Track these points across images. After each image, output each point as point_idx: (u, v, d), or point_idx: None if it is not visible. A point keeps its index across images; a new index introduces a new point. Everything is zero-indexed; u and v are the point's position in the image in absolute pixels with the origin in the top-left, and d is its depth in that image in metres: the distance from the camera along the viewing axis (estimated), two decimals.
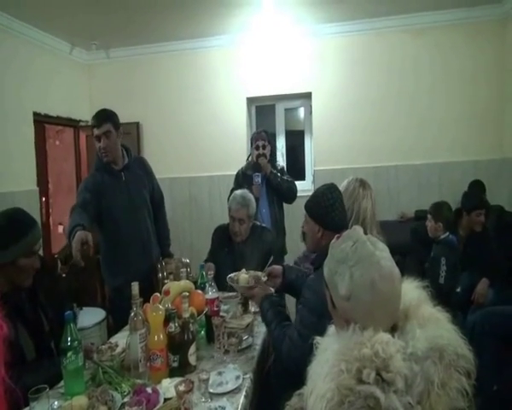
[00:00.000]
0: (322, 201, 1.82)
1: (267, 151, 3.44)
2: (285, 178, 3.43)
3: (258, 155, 3.42)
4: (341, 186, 2.14)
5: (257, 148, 3.44)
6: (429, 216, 3.07)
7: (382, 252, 1.07)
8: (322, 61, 4.51)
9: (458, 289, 2.95)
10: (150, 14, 3.93)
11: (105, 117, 2.45)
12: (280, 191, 3.39)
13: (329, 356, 1.07)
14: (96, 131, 2.42)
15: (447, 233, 3.00)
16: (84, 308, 2.42)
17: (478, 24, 4.17)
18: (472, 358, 1.03)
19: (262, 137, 3.48)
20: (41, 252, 3.59)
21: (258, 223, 2.94)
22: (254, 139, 3.51)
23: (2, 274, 1.65)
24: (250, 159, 3.59)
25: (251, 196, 2.80)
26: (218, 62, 4.76)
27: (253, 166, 3.48)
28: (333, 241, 1.22)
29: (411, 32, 4.29)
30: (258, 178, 3.33)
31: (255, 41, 4.62)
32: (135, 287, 1.71)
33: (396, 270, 1.06)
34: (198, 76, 4.80)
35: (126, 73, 5.01)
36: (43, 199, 4.95)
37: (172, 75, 4.88)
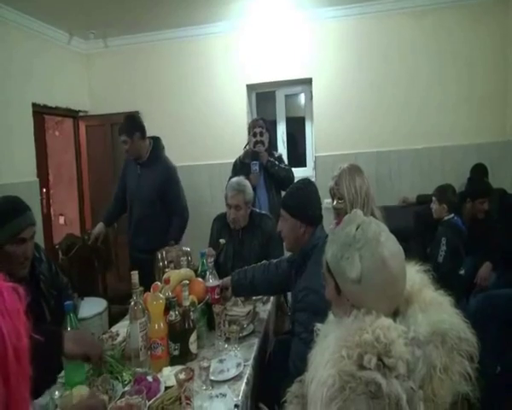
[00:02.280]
0: (300, 196, 1.82)
1: (265, 138, 3.42)
2: (282, 166, 3.41)
3: (256, 142, 3.40)
4: (333, 176, 2.14)
5: (254, 135, 3.42)
6: (434, 198, 3.10)
7: (386, 232, 1.08)
8: (322, 46, 4.43)
9: (462, 272, 2.94)
10: (148, 1, 3.86)
11: (122, 130, 3.13)
12: (277, 179, 3.38)
13: (330, 342, 1.06)
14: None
15: (452, 215, 2.99)
16: (85, 298, 2.42)
17: (480, 4, 4.07)
18: (475, 341, 1.02)
19: (259, 124, 3.47)
20: (42, 243, 3.59)
21: (258, 210, 2.92)
22: (252, 127, 3.50)
23: None
24: (248, 147, 3.57)
25: (246, 183, 2.78)
26: (218, 49, 4.68)
27: (250, 155, 3.46)
28: (331, 226, 1.21)
29: (412, 14, 4.20)
30: (255, 167, 3.31)
31: (254, 27, 4.54)
32: (134, 276, 1.70)
33: (401, 247, 1.08)
34: (197, 64, 4.73)
35: (125, 61, 4.94)
36: (44, 190, 4.94)
37: (171, 63, 4.82)
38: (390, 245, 1.04)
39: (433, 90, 4.22)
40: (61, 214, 5.24)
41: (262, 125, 3.46)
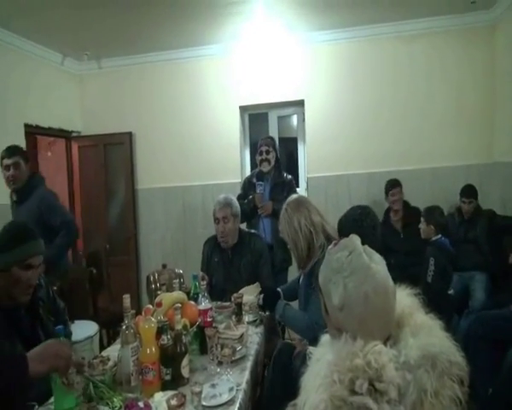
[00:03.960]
0: (360, 227, 1.89)
1: (271, 157, 3.45)
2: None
3: (262, 160, 3.43)
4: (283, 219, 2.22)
5: (260, 153, 3.46)
6: (422, 219, 3.15)
7: (378, 265, 1.06)
8: (314, 69, 4.53)
9: (451, 292, 2.98)
10: (142, 23, 3.93)
11: (13, 151, 3.03)
12: None
13: (322, 367, 1.06)
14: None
15: (439, 235, 3.04)
16: (75, 321, 2.39)
17: (468, 30, 4.22)
18: (465, 365, 1.02)
19: (266, 142, 3.50)
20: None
21: (247, 230, 2.94)
22: (259, 145, 3.52)
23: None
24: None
25: (233, 198, 2.86)
26: (211, 71, 4.76)
27: (256, 175, 3.49)
28: (330, 247, 1.22)
29: (403, 38, 4.33)
30: (260, 187, 3.33)
31: (247, 49, 4.64)
32: (126, 299, 1.69)
33: (390, 283, 1.05)
34: (190, 85, 4.80)
35: (118, 82, 4.99)
36: None
37: (165, 84, 4.88)
38: (376, 280, 1.03)
39: (424, 112, 4.32)
40: None
41: (269, 143, 3.50)
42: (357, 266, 1.06)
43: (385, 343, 1.03)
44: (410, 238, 3.61)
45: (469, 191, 3.73)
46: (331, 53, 4.48)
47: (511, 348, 2.35)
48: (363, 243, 1.81)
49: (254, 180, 3.48)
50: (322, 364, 1.07)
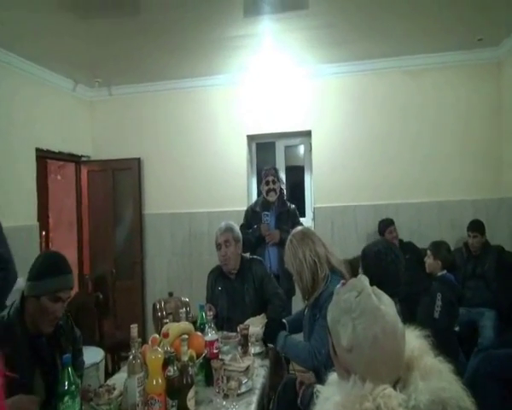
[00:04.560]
0: (383, 260, 1.91)
1: (276, 187, 3.52)
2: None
3: (269, 190, 3.49)
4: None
5: (267, 183, 3.53)
6: (429, 252, 3.14)
7: (387, 307, 1.06)
8: (321, 100, 4.61)
9: (457, 328, 2.94)
10: (151, 53, 4.04)
11: None
12: None
13: (330, 407, 1.06)
14: None
15: (445, 271, 3.03)
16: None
17: (476, 66, 4.30)
18: None
19: (271, 173, 3.58)
20: None
21: (249, 256, 2.96)
22: (264, 175, 3.60)
23: (28, 307, 1.72)
24: (262, 194, 3.65)
25: (234, 224, 2.92)
26: (218, 101, 4.86)
27: (262, 204, 3.53)
28: (338, 286, 1.22)
29: (410, 73, 4.42)
30: (267, 217, 3.38)
31: (255, 80, 4.74)
32: (133, 329, 1.70)
33: (400, 325, 1.05)
34: (198, 114, 4.89)
35: (128, 109, 5.10)
36: (43, 233, 4.96)
37: (173, 112, 4.98)
38: (386, 322, 1.02)
39: (431, 146, 4.37)
40: None
41: (274, 173, 3.59)
42: (367, 308, 1.05)
43: (394, 386, 1.03)
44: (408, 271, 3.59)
45: (475, 225, 3.73)
46: (339, 85, 4.57)
47: None
48: (381, 279, 1.84)
49: (258, 209, 3.54)
50: (331, 404, 1.07)
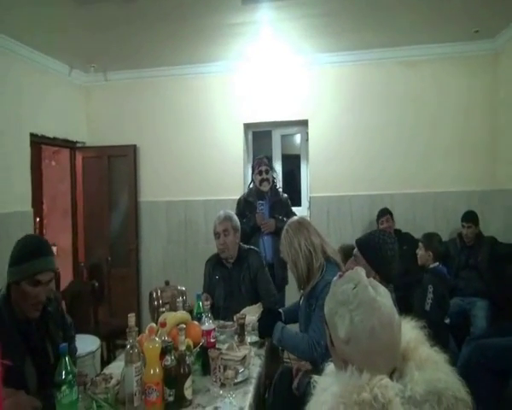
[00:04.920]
0: (385, 250, 1.91)
1: (269, 176, 3.51)
2: (286, 220, 3.42)
3: (262, 180, 3.48)
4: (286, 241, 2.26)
5: (260, 173, 3.51)
6: (420, 244, 3.15)
7: (383, 298, 1.07)
8: (319, 90, 4.58)
9: (447, 321, 2.98)
10: (148, 39, 3.98)
11: None
12: None
13: (328, 398, 1.07)
14: None
15: (437, 263, 3.05)
16: (77, 335, 2.38)
17: (472, 58, 4.29)
18: (470, 401, 1.04)
19: (264, 162, 3.55)
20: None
21: (246, 246, 2.97)
22: (257, 165, 3.57)
23: (12, 293, 1.72)
24: (252, 185, 3.63)
25: (232, 213, 2.92)
26: (216, 88, 4.82)
27: (256, 193, 3.52)
28: (335, 278, 1.23)
29: (407, 63, 4.40)
30: (262, 207, 3.38)
31: (252, 68, 4.70)
32: (131, 318, 1.70)
33: (396, 316, 1.06)
34: (195, 101, 4.85)
35: (124, 95, 5.04)
36: (37, 219, 4.92)
37: (170, 99, 4.93)
38: (383, 313, 1.04)
39: (426, 136, 4.37)
40: (54, 245, 5.20)
41: (267, 163, 3.56)
42: (364, 299, 1.06)
43: (390, 377, 1.04)
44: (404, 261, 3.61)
45: (469, 216, 3.77)
46: (337, 75, 4.54)
47: None
48: (379, 269, 1.85)
49: (251, 199, 3.53)
50: (328, 395, 1.08)
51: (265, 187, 3.50)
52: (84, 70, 4.91)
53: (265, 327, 2.27)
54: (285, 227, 2.28)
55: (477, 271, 3.58)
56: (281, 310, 2.46)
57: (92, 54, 4.40)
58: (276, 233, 3.38)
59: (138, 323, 4.38)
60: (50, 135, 4.54)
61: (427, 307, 2.82)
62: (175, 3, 3.26)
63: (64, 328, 1.98)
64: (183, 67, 4.79)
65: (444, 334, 2.87)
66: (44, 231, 5.33)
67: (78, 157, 5.06)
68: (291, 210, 3.59)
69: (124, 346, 3.20)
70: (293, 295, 3.35)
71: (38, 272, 1.71)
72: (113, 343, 3.47)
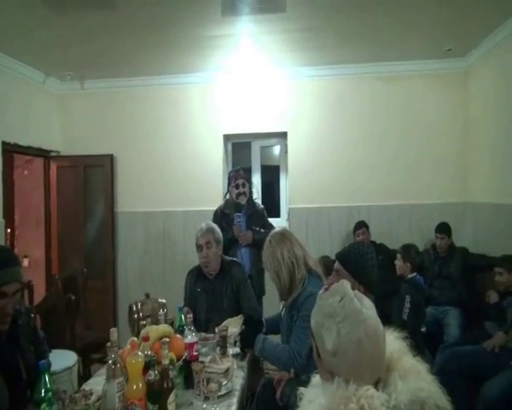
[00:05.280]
0: (366, 260, 1.96)
1: (246, 189, 3.50)
2: (263, 231, 3.39)
3: (239, 194, 3.47)
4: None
5: (237, 186, 3.49)
6: (398, 256, 3.24)
7: (368, 310, 1.09)
8: (298, 102, 4.66)
9: (423, 329, 3.06)
10: (127, 48, 3.96)
11: None
12: (263, 245, 3.43)
13: (315, 409, 1.09)
14: None
15: (414, 273, 3.14)
16: (52, 351, 2.31)
17: (444, 75, 4.47)
18: (451, 409, 1.08)
19: (241, 175, 3.54)
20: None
21: (229, 258, 2.97)
22: (233, 178, 3.55)
23: None
24: (228, 196, 3.62)
25: (215, 225, 2.87)
26: (195, 99, 4.82)
27: (233, 206, 3.50)
28: (321, 291, 1.25)
29: (383, 79, 4.54)
30: (239, 219, 3.36)
31: (232, 80, 4.74)
32: (113, 333, 1.67)
33: (380, 327, 1.09)
34: (175, 111, 4.84)
35: (101, 104, 4.98)
36: (9, 230, 4.76)
37: (148, 109, 4.90)
38: (368, 326, 1.06)
39: (401, 150, 4.51)
40: (26, 256, 5.04)
41: (243, 176, 3.55)
42: (350, 312, 1.08)
43: (375, 387, 1.07)
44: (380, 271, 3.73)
45: (443, 228, 3.90)
46: (315, 88, 4.64)
47: (486, 385, 2.43)
48: (362, 279, 1.89)
49: (227, 211, 3.51)
50: (316, 406, 1.10)
51: (242, 200, 3.49)
52: (60, 78, 4.83)
53: (247, 338, 2.27)
54: (268, 238, 2.29)
55: (450, 280, 3.69)
56: (263, 320, 2.47)
57: (69, 62, 4.33)
58: (254, 245, 3.39)
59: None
60: (23, 143, 4.42)
61: (405, 317, 2.90)
62: (154, 14, 3.25)
63: (36, 342, 1.92)
64: (162, 77, 4.78)
65: (420, 342, 2.94)
66: (16, 242, 5.17)
67: (53, 167, 4.95)
68: (267, 221, 3.61)
69: (101, 360, 3.14)
70: (270, 305, 3.38)
71: (4, 283, 1.64)
72: (88, 358, 3.37)
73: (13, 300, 1.68)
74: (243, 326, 2.37)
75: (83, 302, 3.74)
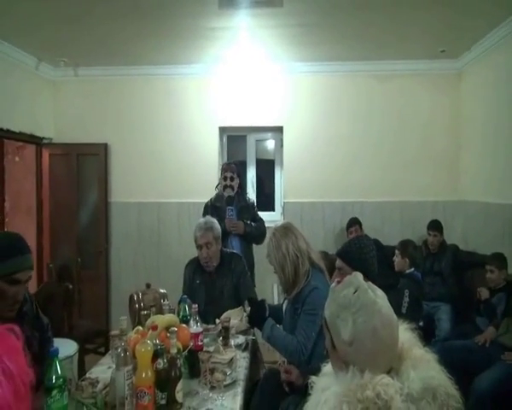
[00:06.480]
0: (367, 252, 2.01)
1: (234, 183, 3.50)
2: (254, 225, 3.48)
3: (225, 186, 3.48)
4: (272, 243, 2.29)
5: (225, 179, 3.50)
6: (397, 251, 3.30)
7: (382, 300, 1.14)
8: (294, 97, 4.69)
9: (421, 324, 3.14)
10: (124, 36, 3.91)
11: None
12: (253, 238, 3.47)
13: (329, 397, 1.12)
14: None
15: (412, 269, 3.21)
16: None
17: (438, 75, 4.56)
18: (459, 397, 1.13)
19: (231, 168, 3.54)
20: None
21: (229, 250, 2.97)
22: (224, 170, 3.56)
23: None
24: (219, 187, 3.63)
25: (214, 220, 2.85)
26: (192, 90, 4.80)
27: (225, 199, 3.51)
28: (333, 285, 1.29)
29: (378, 76, 4.61)
30: (231, 212, 3.37)
31: (229, 73, 4.73)
32: (123, 321, 1.69)
33: (394, 317, 1.14)
34: (171, 102, 4.81)
35: (95, 92, 4.91)
36: None
37: (144, 99, 4.85)
38: (383, 315, 1.10)
39: (395, 147, 4.59)
40: None
41: (234, 169, 3.54)
42: (365, 302, 1.12)
43: (388, 375, 1.12)
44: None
45: (434, 225, 3.99)
46: (311, 84, 4.67)
47: (477, 379, 2.52)
48: (366, 272, 1.94)
49: (218, 204, 3.51)
50: (329, 394, 1.13)
51: (228, 193, 3.49)
52: (53, 64, 4.73)
53: (257, 318, 2.28)
54: (272, 231, 2.31)
55: (441, 276, 3.79)
56: (267, 305, 2.49)
57: (63, 47, 4.24)
58: (244, 237, 3.43)
59: (106, 326, 4.28)
60: (15, 129, 4.34)
61: (404, 311, 2.96)
62: (152, 3, 3.21)
63: (41, 329, 1.92)
64: (158, 68, 4.74)
65: (419, 337, 3.01)
66: (6, 229, 5.08)
67: (45, 154, 4.87)
68: (257, 214, 3.63)
69: (95, 350, 3.14)
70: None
71: (17, 271, 1.63)
72: (82, 348, 3.35)
73: (24, 288, 1.68)
74: (246, 316, 2.39)
75: (77, 292, 3.72)
